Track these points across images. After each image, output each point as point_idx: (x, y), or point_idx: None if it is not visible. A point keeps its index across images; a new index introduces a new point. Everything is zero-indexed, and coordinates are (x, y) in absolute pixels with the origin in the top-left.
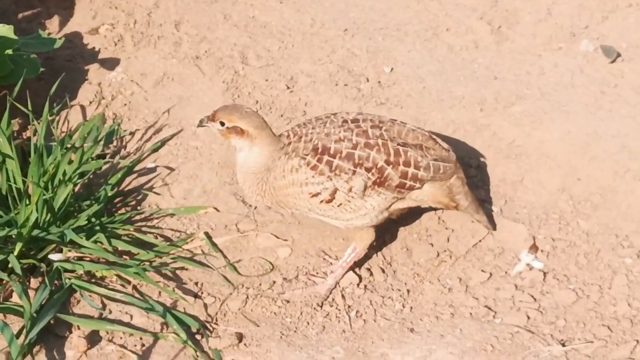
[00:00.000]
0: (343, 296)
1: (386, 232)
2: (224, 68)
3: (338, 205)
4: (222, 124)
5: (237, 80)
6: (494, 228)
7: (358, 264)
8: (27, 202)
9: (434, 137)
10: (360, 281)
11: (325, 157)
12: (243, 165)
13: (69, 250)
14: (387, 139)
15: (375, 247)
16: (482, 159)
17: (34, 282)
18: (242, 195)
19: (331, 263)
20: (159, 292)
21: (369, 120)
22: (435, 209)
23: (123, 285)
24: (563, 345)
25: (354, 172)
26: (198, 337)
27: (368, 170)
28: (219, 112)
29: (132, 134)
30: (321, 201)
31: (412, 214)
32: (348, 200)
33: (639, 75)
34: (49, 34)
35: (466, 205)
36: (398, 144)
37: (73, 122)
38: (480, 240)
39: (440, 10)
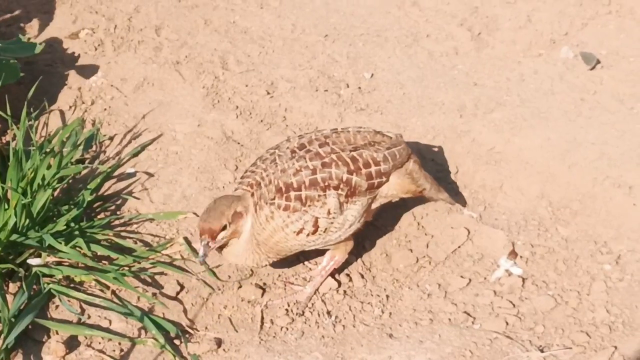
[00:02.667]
0: (323, 301)
1: (366, 238)
2: (204, 73)
3: (324, 231)
4: (225, 226)
5: (217, 85)
6: (463, 204)
7: (338, 270)
8: (6, 207)
9: (379, 131)
10: (340, 287)
11: (292, 194)
12: (246, 239)
13: (48, 255)
14: (339, 151)
15: (355, 253)
16: (461, 165)
17: (12, 287)
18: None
19: (310, 268)
20: (138, 297)
21: (314, 141)
22: (414, 215)
23: (102, 290)
24: (542, 351)
25: (325, 196)
26: (177, 342)
27: (336, 188)
28: (213, 225)
29: (112, 138)
30: (307, 234)
31: (391, 220)
32: (331, 222)
33: (618, 83)
34: (29, 38)
35: (429, 187)
36: (350, 151)
37: (52, 127)
38: (459, 246)
39: (421, 17)
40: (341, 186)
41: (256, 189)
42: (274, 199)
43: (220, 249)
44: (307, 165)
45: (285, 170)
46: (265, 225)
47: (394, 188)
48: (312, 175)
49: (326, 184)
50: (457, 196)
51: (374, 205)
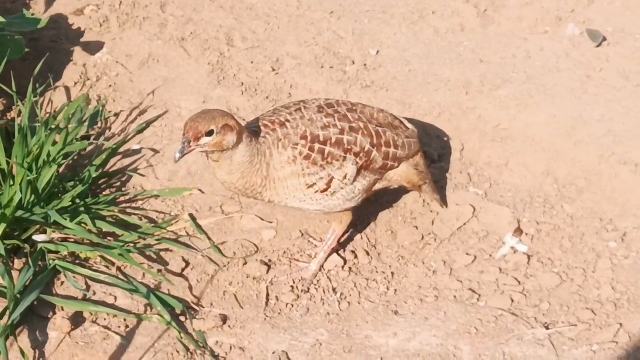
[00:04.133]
0: (328, 278)
1: (371, 215)
2: (210, 50)
3: (332, 194)
4: (211, 132)
5: (222, 62)
6: (447, 206)
7: (343, 245)
8: (12, 183)
9: (397, 116)
10: (345, 264)
11: (317, 145)
12: (238, 161)
13: (53, 232)
14: (366, 122)
15: (360, 229)
16: (467, 142)
17: (17, 263)
18: (235, 194)
19: (316, 245)
20: (143, 274)
21: (342, 104)
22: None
23: (107, 267)
24: (547, 328)
25: (345, 158)
26: (182, 318)
27: (356, 155)
28: (200, 126)
29: (117, 115)
30: (316, 191)
31: (397, 197)
32: (342, 188)
33: (624, 60)
34: (34, 14)
35: (428, 183)
36: (376, 126)
37: (57, 103)
38: (465, 224)
39: None
40: (361, 155)
41: (280, 127)
42: (297, 144)
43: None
44: (335, 123)
45: (314, 121)
46: (285, 166)
47: (399, 175)
48: (340, 135)
49: (350, 147)
50: (461, 174)
51: (378, 186)
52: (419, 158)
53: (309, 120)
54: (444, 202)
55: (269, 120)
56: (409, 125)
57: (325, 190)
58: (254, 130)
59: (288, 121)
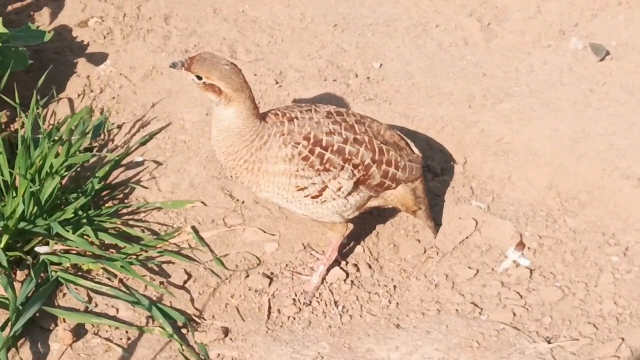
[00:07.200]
0: (330, 291)
1: (373, 228)
2: None
3: (322, 202)
4: (199, 78)
5: None
6: (436, 235)
7: (345, 258)
8: (14, 195)
9: (404, 137)
10: (347, 277)
11: (317, 149)
12: (220, 121)
13: (56, 243)
14: (372, 136)
15: (362, 242)
16: (469, 156)
17: (19, 275)
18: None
19: (318, 258)
20: (145, 286)
21: (352, 115)
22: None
23: (109, 279)
24: (549, 342)
25: (343, 168)
26: (184, 331)
27: (355, 166)
28: (196, 66)
29: (120, 127)
30: (306, 195)
31: (399, 210)
32: (333, 199)
33: (627, 74)
34: (38, 26)
35: (423, 209)
36: (381, 142)
37: (61, 115)
38: (467, 237)
39: (430, 7)
40: (359, 168)
41: (288, 122)
42: (298, 143)
43: None
44: (340, 132)
45: (320, 124)
46: (279, 162)
47: (395, 197)
48: (343, 144)
49: (350, 157)
50: (464, 187)
51: (372, 204)
52: (419, 183)
53: (316, 122)
54: (437, 230)
55: (281, 112)
56: (415, 150)
57: (317, 196)
58: (264, 112)
59: (296, 118)
